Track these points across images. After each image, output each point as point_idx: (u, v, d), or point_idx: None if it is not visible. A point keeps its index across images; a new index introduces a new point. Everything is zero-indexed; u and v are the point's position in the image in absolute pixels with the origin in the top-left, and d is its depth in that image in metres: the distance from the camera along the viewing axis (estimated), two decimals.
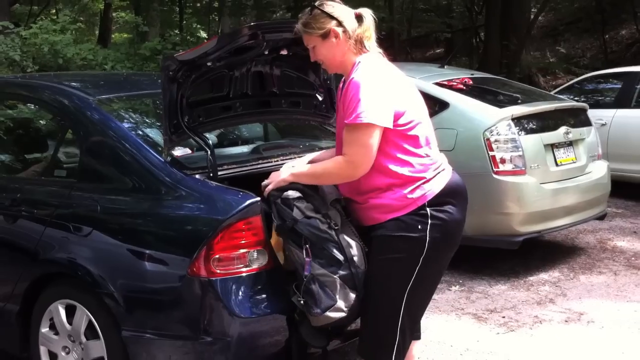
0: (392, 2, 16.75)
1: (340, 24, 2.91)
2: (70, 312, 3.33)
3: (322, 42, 2.93)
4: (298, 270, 2.90)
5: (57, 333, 3.40)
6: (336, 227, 2.86)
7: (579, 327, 4.54)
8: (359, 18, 2.96)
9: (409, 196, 2.84)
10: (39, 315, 3.45)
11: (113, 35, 24.04)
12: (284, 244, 2.96)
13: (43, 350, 3.48)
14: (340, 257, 2.84)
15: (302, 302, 2.88)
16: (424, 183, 2.86)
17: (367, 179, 2.86)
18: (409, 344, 3.05)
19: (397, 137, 2.85)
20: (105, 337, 3.19)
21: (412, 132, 2.88)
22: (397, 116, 2.84)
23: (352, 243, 2.89)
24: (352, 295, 2.87)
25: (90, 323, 3.24)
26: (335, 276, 2.83)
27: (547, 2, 16.11)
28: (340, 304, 2.85)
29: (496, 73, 12.05)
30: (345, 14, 2.94)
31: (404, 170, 2.85)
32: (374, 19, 3.01)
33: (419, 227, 2.84)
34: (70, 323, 3.33)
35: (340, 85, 3.06)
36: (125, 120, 3.65)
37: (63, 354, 3.39)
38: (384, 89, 2.83)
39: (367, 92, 2.78)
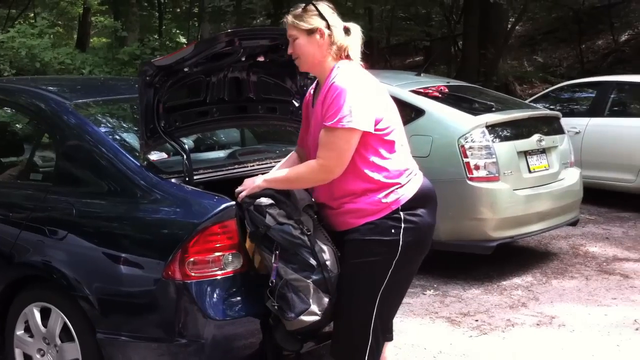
0: (372, 11, 16.85)
1: (328, 27, 2.97)
2: (45, 314, 3.35)
3: (306, 37, 2.96)
4: (271, 277, 2.94)
5: (32, 335, 3.42)
6: (309, 233, 2.91)
7: (550, 330, 4.62)
8: (347, 31, 3.02)
9: (384, 200, 2.90)
10: (14, 318, 3.46)
11: (92, 40, 23.92)
12: (258, 250, 3.00)
13: (18, 353, 3.50)
14: (313, 262, 2.88)
15: (276, 307, 2.92)
16: (398, 188, 2.92)
17: (343, 184, 2.91)
18: (382, 346, 3.10)
19: (375, 142, 2.91)
20: (80, 340, 3.21)
21: (388, 137, 2.94)
22: (376, 121, 2.90)
23: (325, 248, 2.94)
24: (326, 299, 2.92)
25: (65, 326, 3.26)
26: (308, 281, 2.88)
27: (524, 12, 16.29)
28: (314, 307, 2.90)
29: (474, 81, 12.20)
30: (337, 21, 3.00)
31: (380, 176, 2.91)
32: (362, 35, 3.07)
33: (393, 230, 2.89)
34: (45, 326, 3.34)
35: (311, 89, 3.11)
36: (102, 125, 3.67)
37: (38, 356, 3.41)
38: (366, 94, 2.89)
39: (351, 97, 2.83)
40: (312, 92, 3.15)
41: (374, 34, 17.22)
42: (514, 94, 14.41)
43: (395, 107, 3.09)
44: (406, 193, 2.93)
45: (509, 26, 16.12)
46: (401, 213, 2.91)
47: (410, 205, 2.93)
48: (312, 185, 3.02)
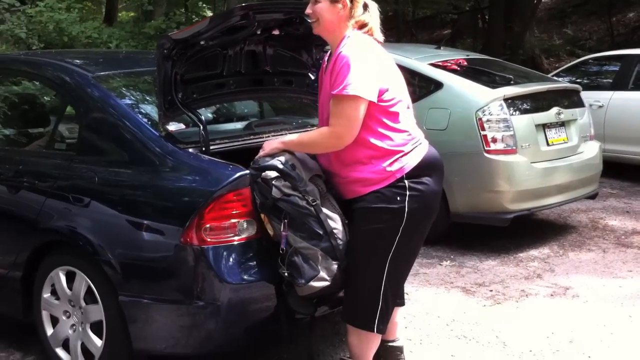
0: None
1: (352, 0, 3.06)
2: (70, 278, 3.49)
3: (329, 3, 3.06)
4: (280, 245, 3.05)
5: (58, 298, 3.57)
6: (314, 203, 3.00)
7: (564, 301, 4.69)
8: (365, 7, 3.11)
9: (388, 169, 2.99)
10: (41, 281, 3.61)
11: (119, 14, 24.07)
12: (269, 219, 3.11)
13: (45, 315, 3.64)
14: (320, 230, 2.99)
15: (286, 274, 3.04)
16: (402, 156, 3.02)
17: (349, 152, 3.01)
18: (392, 310, 3.21)
19: (379, 112, 3.00)
20: (104, 302, 3.34)
21: (393, 109, 3.03)
22: (381, 92, 2.99)
23: (333, 216, 3.04)
24: (334, 266, 3.02)
25: (89, 289, 3.40)
26: (316, 248, 2.99)
27: None
28: (323, 274, 3.00)
29: (500, 55, 12.13)
30: None
31: (384, 144, 3.00)
32: (379, 12, 3.17)
33: (398, 198, 2.99)
34: (70, 289, 3.49)
35: (325, 60, 3.20)
36: (122, 96, 3.78)
37: (64, 317, 3.56)
38: (370, 65, 2.98)
39: (355, 66, 2.92)
40: (325, 59, 3.24)
41: (400, 7, 17.14)
42: (540, 67, 14.29)
43: (402, 79, 3.17)
44: (410, 162, 3.02)
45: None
46: (406, 181, 3.00)
47: (415, 173, 3.02)
48: (323, 150, 3.11)
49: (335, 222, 3.03)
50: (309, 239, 2.99)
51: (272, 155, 3.08)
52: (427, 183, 3.05)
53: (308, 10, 3.11)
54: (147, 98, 3.90)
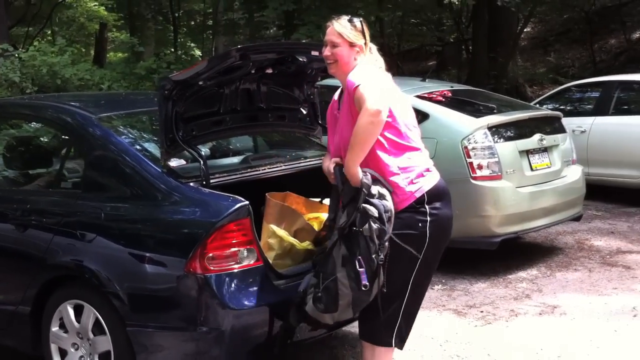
0: (383, 20, 17.11)
1: (366, 44, 3.38)
2: (78, 311, 3.64)
3: (348, 48, 3.34)
4: (330, 265, 3.19)
5: (66, 331, 3.72)
6: (381, 262, 3.15)
7: (552, 318, 4.87)
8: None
9: (407, 189, 3.23)
10: (50, 315, 3.76)
11: (108, 55, 24.40)
12: (336, 240, 3.23)
13: (54, 348, 3.79)
14: (368, 284, 3.13)
15: (318, 294, 3.19)
16: (419, 176, 3.27)
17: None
18: (409, 329, 3.45)
19: (390, 131, 3.24)
20: (112, 333, 3.50)
21: (403, 130, 3.29)
22: (390, 112, 3.23)
23: (381, 277, 3.21)
24: (347, 315, 3.26)
25: (97, 320, 3.56)
26: (351, 294, 3.15)
27: (531, 15, 16.47)
28: (335, 315, 3.23)
29: (484, 84, 12.42)
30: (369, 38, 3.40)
31: (399, 160, 3.25)
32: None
33: (420, 225, 3.24)
34: (78, 321, 3.64)
35: (334, 99, 3.46)
36: (124, 135, 3.97)
37: (72, 350, 3.71)
38: (376, 81, 3.21)
39: (367, 84, 3.14)
40: (336, 98, 3.48)
41: (385, 41, 17.48)
42: (524, 95, 14.59)
43: (410, 106, 3.46)
44: (427, 183, 3.27)
45: (518, 29, 16.31)
46: (427, 207, 3.24)
47: (431, 199, 3.27)
48: (370, 137, 3.15)
49: (377, 286, 3.20)
50: (352, 282, 3.14)
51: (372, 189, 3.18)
52: (442, 208, 3.30)
53: (327, 53, 3.36)
54: (149, 136, 4.10)
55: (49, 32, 21.66)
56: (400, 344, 3.38)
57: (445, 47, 20.16)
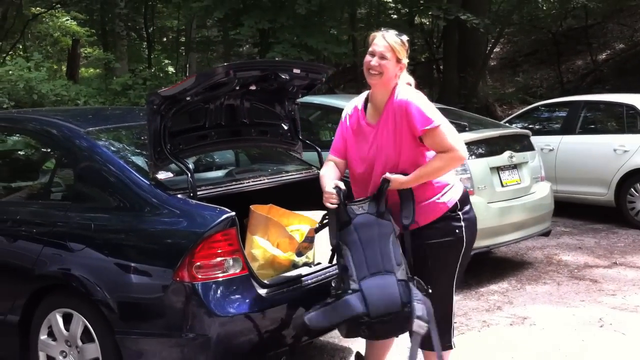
0: (356, 38, 17.37)
1: (406, 64, 3.52)
2: (67, 320, 3.74)
3: (394, 63, 3.45)
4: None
5: (55, 339, 3.80)
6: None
7: (522, 328, 5.06)
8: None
9: (439, 201, 3.44)
10: (38, 324, 3.85)
11: (80, 71, 24.31)
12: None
13: (42, 356, 3.87)
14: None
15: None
16: (450, 189, 3.49)
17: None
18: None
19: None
20: (100, 340, 3.60)
21: None
22: None
23: None
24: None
25: (85, 328, 3.65)
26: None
27: (499, 36, 16.87)
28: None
29: (455, 103, 12.69)
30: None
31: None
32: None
33: (457, 231, 3.46)
34: (67, 329, 3.73)
35: (356, 110, 3.60)
36: (113, 149, 4.09)
37: (61, 357, 3.79)
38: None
39: (422, 102, 3.36)
40: (360, 107, 3.60)
41: (358, 59, 17.74)
42: (494, 114, 14.91)
43: None
44: (455, 193, 3.49)
45: (487, 50, 16.68)
46: (460, 213, 3.46)
47: (461, 205, 3.49)
48: (444, 173, 3.44)
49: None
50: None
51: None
52: (470, 211, 3.54)
53: (374, 64, 3.42)
54: (137, 150, 4.22)
55: (20, 46, 21.54)
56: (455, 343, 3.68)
57: (417, 66, 20.51)
